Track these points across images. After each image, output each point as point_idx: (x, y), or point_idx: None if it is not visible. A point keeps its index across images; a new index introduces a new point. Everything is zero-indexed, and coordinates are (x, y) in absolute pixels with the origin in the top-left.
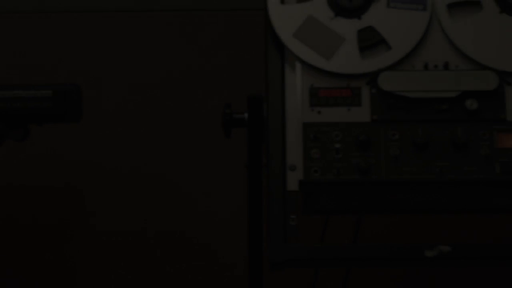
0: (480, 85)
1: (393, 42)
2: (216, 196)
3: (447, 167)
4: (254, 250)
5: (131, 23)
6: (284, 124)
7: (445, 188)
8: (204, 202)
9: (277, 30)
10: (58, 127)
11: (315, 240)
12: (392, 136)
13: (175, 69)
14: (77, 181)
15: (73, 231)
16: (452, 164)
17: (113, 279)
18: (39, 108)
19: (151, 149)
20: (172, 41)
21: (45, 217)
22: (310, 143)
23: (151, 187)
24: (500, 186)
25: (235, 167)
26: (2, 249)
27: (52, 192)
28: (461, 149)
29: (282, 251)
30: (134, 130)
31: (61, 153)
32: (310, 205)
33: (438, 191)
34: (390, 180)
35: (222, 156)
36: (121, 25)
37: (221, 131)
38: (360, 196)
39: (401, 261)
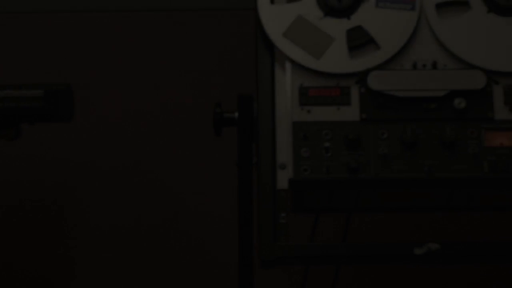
0: (468, 84)
1: (382, 42)
2: (207, 195)
3: (436, 166)
4: (244, 248)
5: (123, 23)
6: (274, 123)
7: (433, 187)
8: (195, 201)
9: (267, 29)
10: (50, 126)
11: (305, 238)
12: (381, 135)
13: (166, 69)
14: (68, 180)
15: (65, 230)
16: (441, 162)
17: (106, 278)
18: (31, 107)
19: (143, 148)
20: (162, 40)
21: (39, 215)
22: (300, 142)
23: (142, 186)
24: (488, 184)
25: (226, 166)
26: None
27: (44, 191)
28: (450, 147)
29: (272, 249)
30: (125, 129)
31: (52, 152)
32: (300, 203)
33: (426, 189)
34: (379, 178)
35: (213, 155)
36: (113, 25)
37: (212, 130)
38: (350, 195)
39: (390, 258)
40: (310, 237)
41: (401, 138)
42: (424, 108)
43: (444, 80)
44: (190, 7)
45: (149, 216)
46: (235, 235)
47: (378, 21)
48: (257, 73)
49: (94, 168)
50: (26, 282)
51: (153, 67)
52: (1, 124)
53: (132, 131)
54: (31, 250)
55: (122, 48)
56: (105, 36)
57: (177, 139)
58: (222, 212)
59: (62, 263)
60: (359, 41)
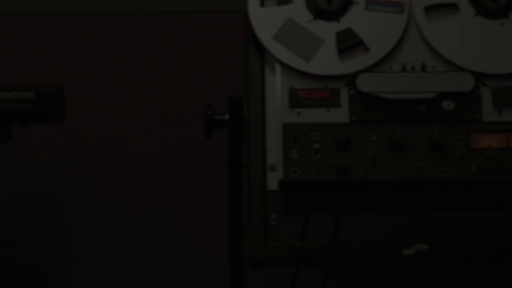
0: (456, 86)
1: (371, 44)
2: (198, 196)
3: (424, 167)
4: (235, 249)
5: (114, 26)
6: (264, 125)
7: (422, 188)
8: (186, 202)
9: (257, 32)
10: (41, 128)
11: (295, 239)
12: (371, 137)
13: (157, 71)
14: (59, 182)
15: (58, 231)
16: (429, 164)
17: (99, 278)
18: (22, 109)
19: (134, 150)
20: (153, 43)
21: (31, 216)
22: (290, 144)
23: (134, 188)
24: (476, 185)
25: (217, 168)
26: None
27: (35, 193)
28: (438, 149)
29: (262, 250)
30: (116, 131)
31: (44, 154)
32: (290, 204)
33: (415, 190)
34: (368, 180)
35: (204, 156)
36: (105, 28)
37: (203, 132)
38: (339, 196)
39: (380, 259)
40: (300, 238)
41: (390, 139)
42: (413, 110)
43: (432, 82)
44: (181, 10)
45: (140, 218)
46: (226, 236)
47: (368, 24)
48: (247, 76)
49: (85, 170)
50: (21, 281)
51: (144, 69)
52: None
53: (123, 133)
54: (23, 250)
55: (114, 50)
56: (97, 39)
57: (168, 140)
58: (213, 213)
59: (55, 263)
60: (348, 43)
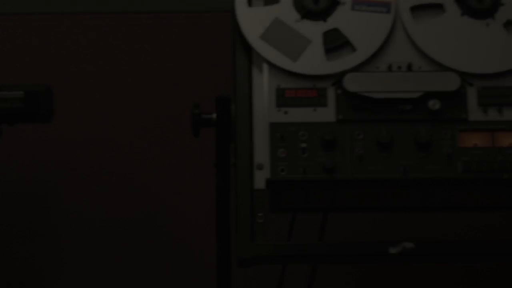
0: (442, 86)
1: (357, 44)
2: (185, 195)
3: (411, 166)
4: (222, 247)
5: (102, 26)
6: (251, 124)
7: (408, 187)
8: (173, 200)
9: (245, 32)
10: (30, 127)
11: (282, 238)
12: (357, 136)
13: (144, 70)
14: (46, 181)
15: (46, 230)
16: (416, 163)
17: (88, 277)
18: (10, 108)
19: (122, 149)
20: (141, 42)
21: (19, 215)
22: (277, 143)
23: (121, 186)
24: (462, 184)
25: (204, 166)
26: None
27: (23, 192)
28: (424, 148)
29: (249, 248)
30: (104, 130)
31: (32, 153)
32: (277, 203)
33: (401, 189)
34: (355, 179)
35: (191, 155)
36: (94, 28)
37: (190, 131)
38: (326, 195)
39: (366, 257)
40: (287, 236)
41: (376, 139)
42: (399, 110)
43: (419, 82)
44: (168, 10)
45: (128, 217)
46: (213, 234)
47: (354, 24)
48: (235, 75)
49: (74, 170)
50: (12, 278)
51: (132, 68)
52: None
53: (110, 131)
54: (14, 248)
55: (102, 49)
56: (86, 38)
57: (156, 139)
58: (200, 212)
59: (46, 262)
60: (335, 43)
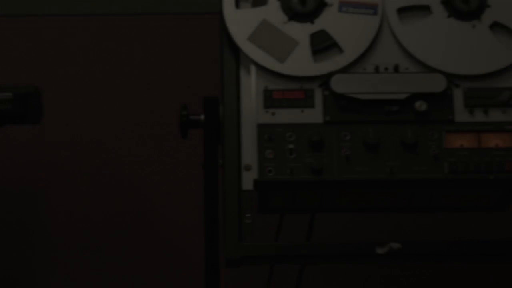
0: (429, 87)
1: (345, 46)
2: (174, 195)
3: (397, 167)
4: (210, 248)
5: (90, 27)
6: (239, 125)
7: (395, 187)
8: (162, 201)
9: (232, 33)
10: (18, 128)
11: (270, 238)
12: (344, 137)
13: (133, 72)
14: (35, 182)
15: (35, 231)
16: (402, 164)
17: (75, 278)
18: None
19: (110, 150)
20: (129, 44)
21: (8, 215)
22: (265, 144)
23: (110, 187)
24: (448, 185)
25: (192, 167)
26: None
27: (12, 192)
28: (411, 149)
29: (237, 249)
30: (92, 131)
31: (20, 154)
32: (265, 204)
33: (388, 190)
34: (342, 179)
35: (179, 156)
36: (81, 29)
37: (178, 132)
38: (313, 195)
39: (353, 257)
40: (275, 237)
41: (363, 139)
42: (386, 111)
43: (405, 83)
44: (156, 12)
45: (116, 217)
46: (201, 235)
47: (341, 26)
48: (223, 76)
49: (62, 171)
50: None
51: (120, 69)
52: None
53: (99, 133)
54: (3, 250)
55: (90, 51)
56: (74, 40)
57: (144, 140)
58: (189, 212)
59: (28, 263)
60: (322, 45)
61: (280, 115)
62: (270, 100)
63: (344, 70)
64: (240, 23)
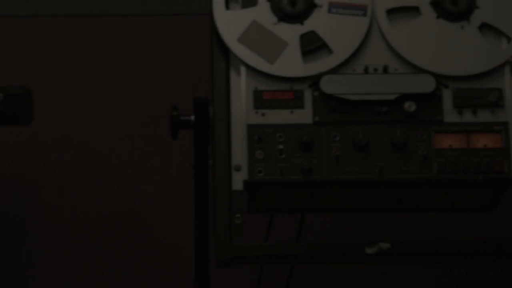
0: (418, 88)
1: (334, 47)
2: (164, 196)
3: (387, 167)
4: (200, 248)
5: (80, 28)
6: (229, 126)
7: (384, 188)
8: (152, 202)
9: (222, 34)
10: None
11: (260, 239)
12: (334, 138)
13: (123, 72)
14: (25, 182)
15: (22, 232)
16: (392, 164)
17: (64, 277)
18: None
19: (101, 150)
20: (120, 45)
21: None
22: (255, 144)
23: (100, 187)
24: (437, 185)
25: (183, 168)
26: None
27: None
28: (400, 149)
29: (227, 249)
30: (83, 132)
31: (10, 154)
32: (255, 204)
33: (377, 190)
34: (332, 180)
35: (170, 157)
36: (71, 30)
37: (169, 133)
38: (303, 196)
39: (343, 257)
40: (265, 237)
41: (353, 140)
42: (375, 111)
43: (394, 84)
44: (147, 13)
45: (106, 216)
46: (192, 235)
47: (331, 27)
48: (213, 77)
49: (52, 171)
50: None
51: (111, 70)
52: None
53: (90, 133)
54: None
55: (81, 52)
56: (65, 40)
57: (135, 141)
58: (179, 213)
59: (20, 263)
60: (312, 46)
61: (270, 115)
62: (260, 100)
63: (334, 71)
64: (230, 24)
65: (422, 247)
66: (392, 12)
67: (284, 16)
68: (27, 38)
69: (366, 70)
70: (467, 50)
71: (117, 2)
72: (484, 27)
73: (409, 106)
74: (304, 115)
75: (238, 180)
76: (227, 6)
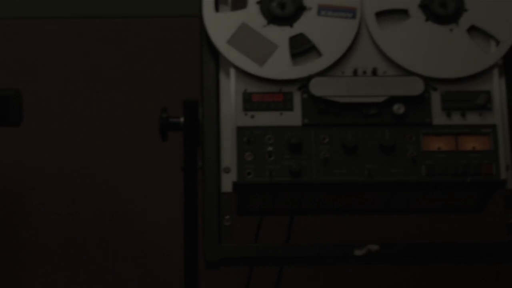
0: (407, 90)
1: (323, 49)
2: (154, 197)
3: (376, 169)
4: (189, 250)
5: (69, 29)
6: (218, 128)
7: (373, 190)
8: (141, 204)
9: (212, 37)
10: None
11: (249, 240)
12: (323, 140)
13: (113, 74)
14: (14, 183)
15: (12, 231)
16: (380, 166)
17: (53, 279)
18: None
19: (90, 152)
20: (110, 47)
21: None
22: (244, 146)
23: (89, 189)
24: (425, 187)
25: (172, 169)
26: None
27: None
28: (389, 152)
29: (216, 250)
30: (72, 134)
31: (0, 155)
32: (244, 206)
33: (366, 192)
34: (321, 182)
35: (159, 159)
36: (60, 32)
37: (158, 135)
38: (292, 197)
39: (331, 259)
40: (254, 238)
41: (342, 142)
42: (364, 114)
43: (383, 86)
44: (137, 15)
45: (96, 218)
46: (181, 237)
47: (320, 29)
48: (202, 79)
49: (42, 173)
50: None
51: (100, 71)
52: None
53: (79, 135)
54: None
55: (70, 54)
56: (54, 43)
57: (124, 143)
58: (168, 214)
59: (7, 264)
60: (301, 48)
61: (259, 117)
62: (249, 103)
63: (323, 73)
64: (219, 26)
65: (410, 249)
66: (381, 15)
67: (273, 19)
68: (16, 40)
69: (355, 73)
70: (455, 52)
71: (107, 4)
72: (473, 29)
73: (398, 108)
74: (293, 117)
75: (227, 182)
76: (217, 8)
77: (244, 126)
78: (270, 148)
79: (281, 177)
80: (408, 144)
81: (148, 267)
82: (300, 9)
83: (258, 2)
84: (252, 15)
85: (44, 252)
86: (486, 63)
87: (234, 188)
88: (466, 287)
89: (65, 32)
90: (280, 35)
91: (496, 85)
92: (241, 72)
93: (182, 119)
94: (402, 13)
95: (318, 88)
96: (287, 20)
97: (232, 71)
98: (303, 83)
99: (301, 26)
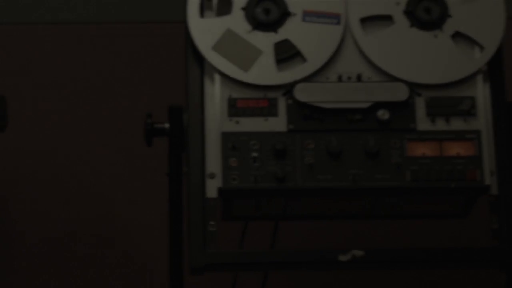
0: (391, 96)
1: (308, 55)
2: (139, 203)
3: (360, 175)
4: (174, 255)
5: (54, 35)
6: (203, 134)
7: (357, 195)
8: (127, 209)
9: (197, 42)
10: None
11: (234, 246)
12: (307, 145)
13: (97, 79)
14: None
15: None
16: (365, 172)
17: (36, 283)
18: None
19: (75, 158)
20: (94, 52)
21: None
22: (229, 152)
23: (74, 195)
24: (410, 193)
25: (157, 175)
26: None
27: None
28: (373, 157)
29: (201, 256)
30: (57, 139)
31: None
32: (229, 211)
33: (351, 198)
34: (305, 187)
35: (144, 164)
36: (46, 37)
37: (143, 140)
38: (277, 203)
39: (316, 265)
40: (239, 244)
41: (326, 148)
42: (349, 119)
43: (368, 92)
44: (122, 20)
45: (80, 224)
46: (166, 242)
47: (305, 35)
48: (187, 85)
49: (26, 178)
50: None
51: (85, 77)
52: None
53: (64, 141)
54: None
55: (55, 59)
56: (39, 48)
57: (109, 148)
58: (153, 220)
59: None
60: (286, 54)
61: (244, 123)
62: (234, 108)
63: (308, 79)
64: (204, 32)
65: (395, 254)
66: (365, 21)
67: (258, 25)
68: (2, 46)
69: (339, 79)
70: (440, 58)
71: (91, 9)
72: (457, 35)
73: (383, 114)
74: (278, 123)
75: (212, 188)
76: (202, 14)
77: (229, 131)
78: (255, 154)
79: (266, 183)
80: (392, 150)
81: (133, 273)
82: (285, 15)
83: (243, 8)
84: (237, 21)
85: (28, 255)
86: (470, 69)
87: (219, 193)
88: None
89: (49, 37)
90: (265, 41)
91: (481, 91)
92: (226, 77)
93: (167, 125)
94: (386, 19)
95: (303, 93)
96: (272, 26)
97: (217, 77)
98: (288, 88)
99: (286, 32)
